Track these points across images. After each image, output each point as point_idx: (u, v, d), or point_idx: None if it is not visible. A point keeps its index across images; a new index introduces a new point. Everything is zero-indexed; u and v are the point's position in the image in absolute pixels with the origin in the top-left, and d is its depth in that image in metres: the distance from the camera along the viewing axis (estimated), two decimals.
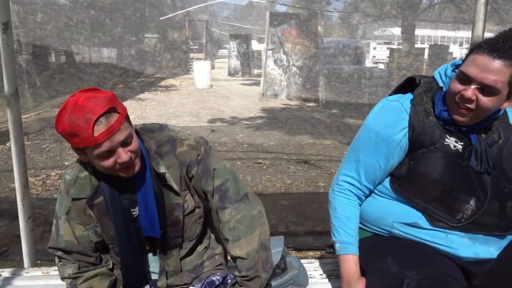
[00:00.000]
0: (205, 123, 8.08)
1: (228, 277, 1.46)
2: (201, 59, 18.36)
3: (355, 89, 11.60)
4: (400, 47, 16.39)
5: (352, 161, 1.47)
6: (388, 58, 16.23)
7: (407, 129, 1.37)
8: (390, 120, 1.39)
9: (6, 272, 1.81)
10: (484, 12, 1.87)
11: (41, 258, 2.65)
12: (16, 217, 3.32)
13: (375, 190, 1.47)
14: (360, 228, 1.50)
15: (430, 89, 1.39)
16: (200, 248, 1.52)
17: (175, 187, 1.35)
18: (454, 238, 1.34)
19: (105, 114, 1.15)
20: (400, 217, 1.39)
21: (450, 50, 18.03)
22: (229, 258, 1.59)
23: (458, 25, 15.12)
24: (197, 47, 20.98)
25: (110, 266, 1.46)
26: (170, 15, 16.60)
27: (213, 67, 17.66)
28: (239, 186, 1.40)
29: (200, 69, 14.16)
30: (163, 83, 15.37)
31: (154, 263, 1.47)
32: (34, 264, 2.07)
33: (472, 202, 1.33)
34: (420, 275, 1.22)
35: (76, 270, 1.40)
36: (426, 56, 14.27)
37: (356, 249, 1.43)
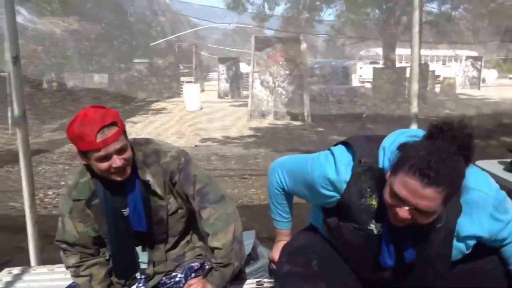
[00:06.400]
0: (194, 142, 8.37)
1: (206, 264, 1.72)
2: (191, 82, 18.78)
3: (339, 107, 12.04)
4: (383, 66, 16.99)
5: (293, 170, 1.59)
6: (372, 77, 16.81)
7: (338, 197, 1.39)
8: (326, 179, 1.40)
9: (16, 270, 2.08)
10: (418, 38, 2.22)
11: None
12: (16, 232, 3.59)
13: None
14: None
15: (370, 169, 1.35)
16: (182, 242, 1.76)
17: (159, 192, 1.60)
18: None
19: (107, 126, 1.42)
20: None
21: (431, 68, 18.61)
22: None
23: (436, 45, 15.76)
24: (187, 71, 21.42)
25: (107, 257, 1.69)
26: (159, 41, 17.09)
27: (202, 90, 18.04)
28: (217, 189, 1.67)
29: (190, 92, 14.54)
30: (153, 106, 15.68)
31: (144, 256, 1.71)
32: (40, 262, 2.33)
33: (387, 274, 1.41)
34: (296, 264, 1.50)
35: (79, 260, 1.64)
36: (407, 74, 14.80)
37: (286, 225, 1.73)
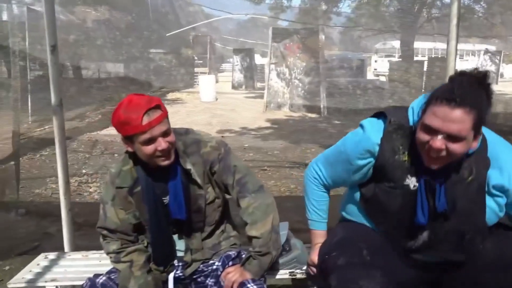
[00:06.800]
0: (214, 133, 8.41)
1: (242, 252, 1.75)
2: (206, 73, 18.80)
3: (356, 100, 11.96)
4: (400, 59, 16.77)
5: (327, 157, 1.65)
6: (388, 71, 16.62)
7: (373, 161, 1.46)
8: (360, 147, 1.47)
9: (51, 255, 2.13)
10: (456, 32, 2.18)
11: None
12: (43, 218, 3.66)
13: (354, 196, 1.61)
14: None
15: (400, 127, 1.42)
16: (218, 231, 1.79)
17: (199, 181, 1.63)
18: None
19: (152, 109, 1.46)
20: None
21: None
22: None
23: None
24: (201, 61, 21.42)
25: (146, 244, 1.73)
26: (175, 31, 17.08)
27: (217, 81, 18.05)
28: (255, 180, 1.70)
29: (205, 83, 14.57)
30: (169, 96, 15.75)
31: (180, 244, 1.74)
32: (74, 248, 2.38)
33: (425, 234, 1.46)
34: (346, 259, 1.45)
35: (119, 246, 1.68)
36: (425, 68, 14.59)
37: (323, 225, 1.69)
